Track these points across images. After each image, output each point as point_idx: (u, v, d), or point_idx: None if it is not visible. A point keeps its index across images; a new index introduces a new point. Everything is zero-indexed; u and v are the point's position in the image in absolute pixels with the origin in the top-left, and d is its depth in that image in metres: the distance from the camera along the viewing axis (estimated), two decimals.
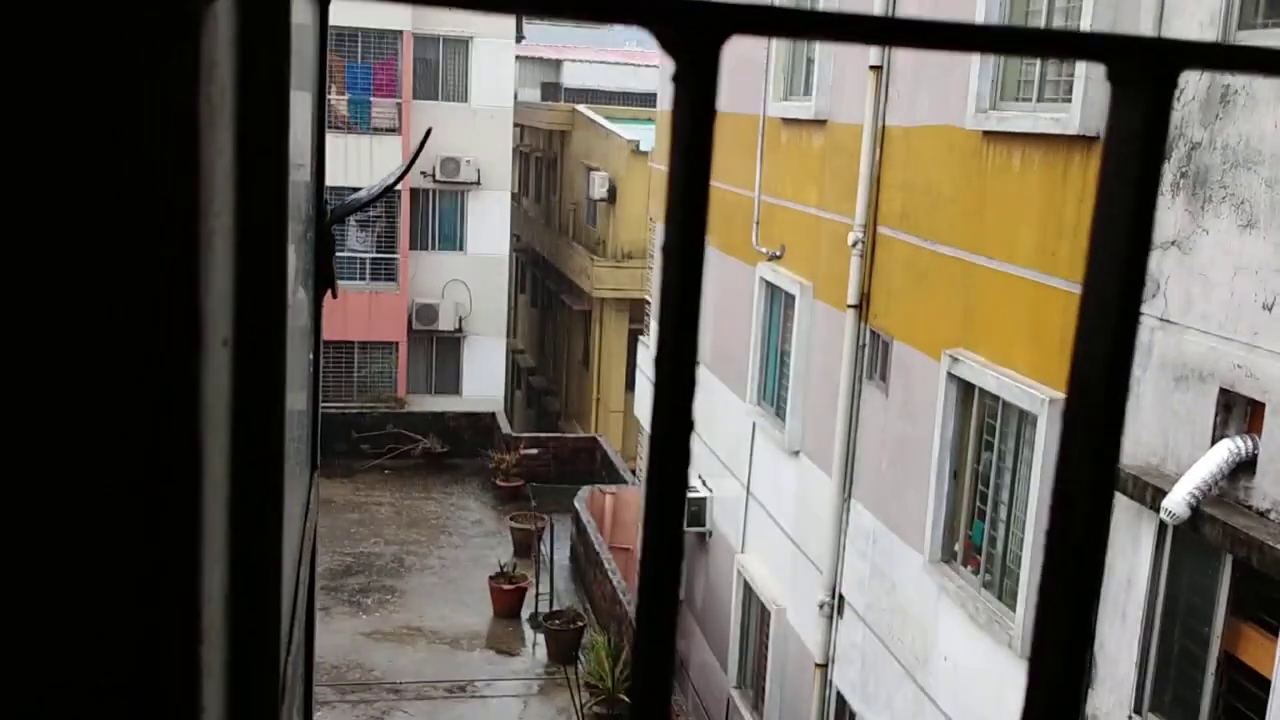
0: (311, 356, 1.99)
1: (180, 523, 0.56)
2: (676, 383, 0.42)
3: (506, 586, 17.79)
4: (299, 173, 1.57)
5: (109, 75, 0.50)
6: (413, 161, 3.31)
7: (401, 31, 25.44)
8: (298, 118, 1.46)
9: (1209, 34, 6.36)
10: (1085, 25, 7.32)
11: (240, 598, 0.80)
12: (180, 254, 0.52)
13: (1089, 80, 7.28)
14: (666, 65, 0.43)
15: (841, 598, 10.95)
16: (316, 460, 2.09)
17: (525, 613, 17.89)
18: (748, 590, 13.30)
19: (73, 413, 0.54)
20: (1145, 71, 0.44)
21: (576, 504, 19.44)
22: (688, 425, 0.45)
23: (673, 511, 0.46)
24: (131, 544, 0.55)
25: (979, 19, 8.54)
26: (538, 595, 17.71)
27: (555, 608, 17.38)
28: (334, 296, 1.98)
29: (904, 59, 9.92)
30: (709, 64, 0.40)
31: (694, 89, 0.40)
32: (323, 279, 1.89)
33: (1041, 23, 8.12)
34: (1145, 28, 6.81)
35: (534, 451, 23.30)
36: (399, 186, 25.37)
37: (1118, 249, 0.46)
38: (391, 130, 25.57)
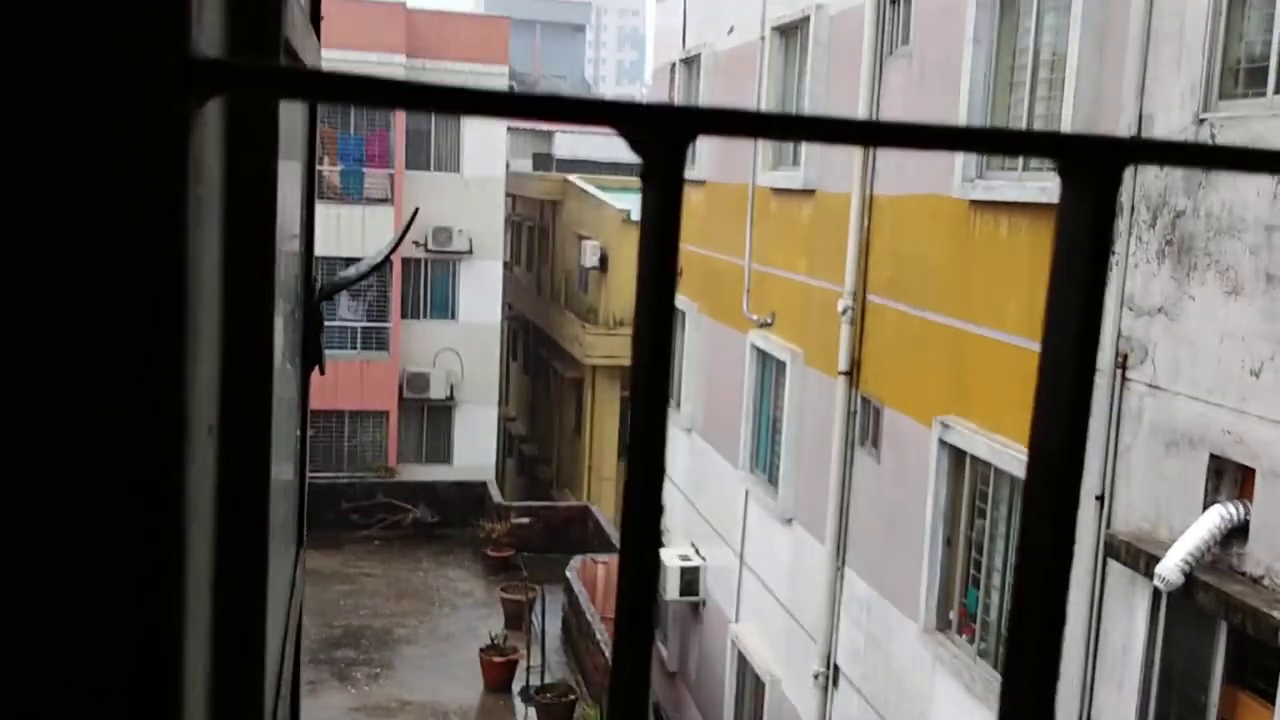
0: (299, 432, 1.99)
1: (163, 611, 0.56)
2: (642, 539, 0.42)
3: (497, 659, 17.58)
4: (288, 247, 1.59)
5: (99, 172, 0.51)
6: (399, 240, 3.34)
7: None
8: (286, 194, 1.47)
9: (1190, 105, 6.47)
10: (1068, 96, 7.45)
11: (224, 683, 0.80)
12: (166, 347, 0.53)
13: None
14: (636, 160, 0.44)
15: (836, 668, 10.83)
16: (303, 536, 2.08)
17: (516, 686, 17.64)
18: (742, 660, 13.15)
19: (55, 502, 0.54)
20: (1093, 168, 0.45)
21: (568, 574, 19.28)
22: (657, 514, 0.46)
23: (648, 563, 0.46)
24: (113, 632, 0.55)
25: (963, 97, 8.69)
26: (529, 667, 17.48)
27: (547, 680, 17.15)
28: (321, 373, 1.99)
29: None
30: (674, 164, 0.42)
31: (660, 188, 0.42)
32: (310, 356, 1.90)
33: (1025, 95, 8.26)
34: (1128, 99, 6.92)
35: (525, 520, 23.15)
36: (390, 256, 25.49)
37: (1068, 337, 0.47)
38: (384, 200, 25.77)
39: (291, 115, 1.75)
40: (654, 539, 0.47)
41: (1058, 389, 0.51)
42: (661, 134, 0.42)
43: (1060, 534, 0.51)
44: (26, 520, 0.54)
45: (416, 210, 5.12)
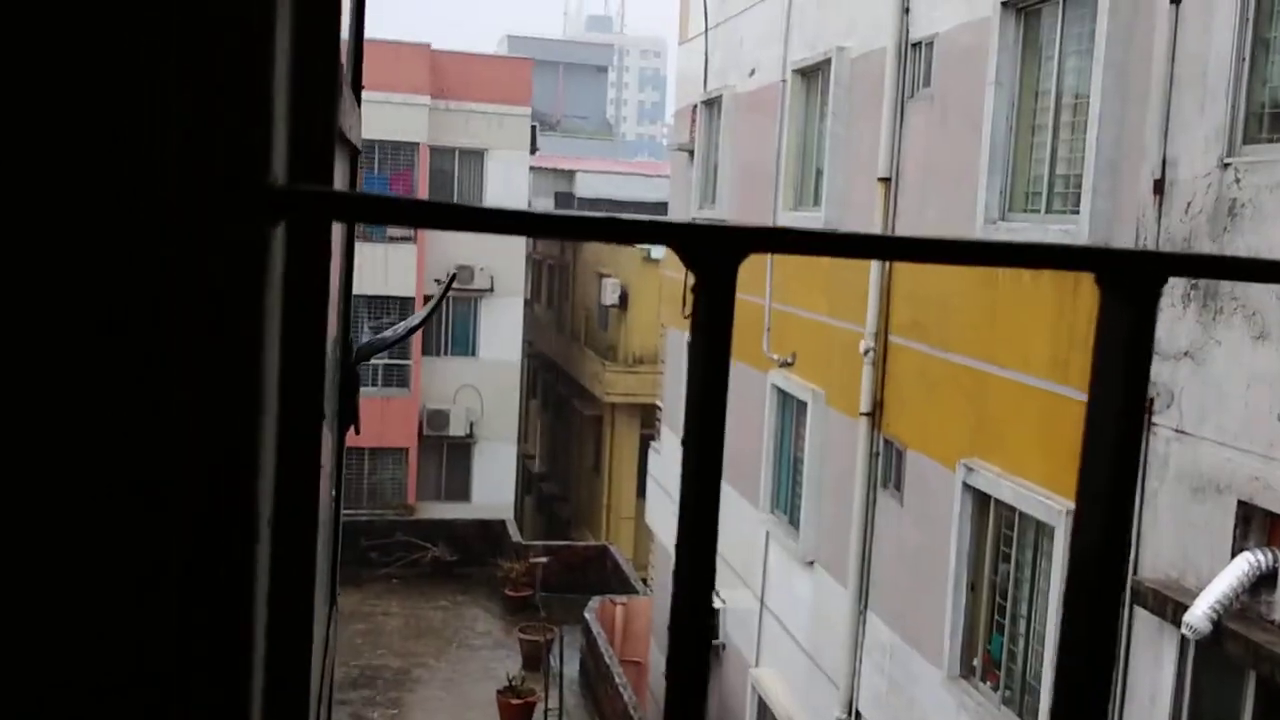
0: (334, 493, 1.98)
1: (229, 680, 0.59)
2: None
3: (515, 701, 17.45)
4: (331, 319, 1.60)
5: (188, 292, 0.55)
6: (437, 304, 3.36)
7: (418, 144, 25.98)
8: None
9: (1214, 150, 6.44)
10: (1091, 139, 7.43)
11: None
12: (241, 445, 0.57)
13: (1096, 193, 7.36)
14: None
15: (858, 713, 10.69)
16: (335, 595, 2.07)
17: None
18: (762, 706, 13.01)
19: (139, 609, 0.58)
20: (1133, 280, 0.43)
21: (587, 615, 19.16)
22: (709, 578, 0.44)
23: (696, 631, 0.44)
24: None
25: (985, 139, 8.68)
26: (547, 710, 17.34)
27: None
28: (357, 433, 1.99)
29: (912, 170, 10.06)
30: (726, 279, 0.42)
31: (712, 303, 0.43)
32: (346, 417, 1.89)
33: (1048, 138, 8.24)
34: (1151, 142, 6.90)
35: (543, 560, 23.07)
36: (414, 294, 25.64)
37: (1108, 452, 0.45)
38: (406, 239, 25.94)
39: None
40: (703, 635, 0.46)
41: (1097, 498, 0.49)
42: (714, 252, 0.43)
43: (1100, 652, 0.49)
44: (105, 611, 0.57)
45: (454, 274, 5.17)
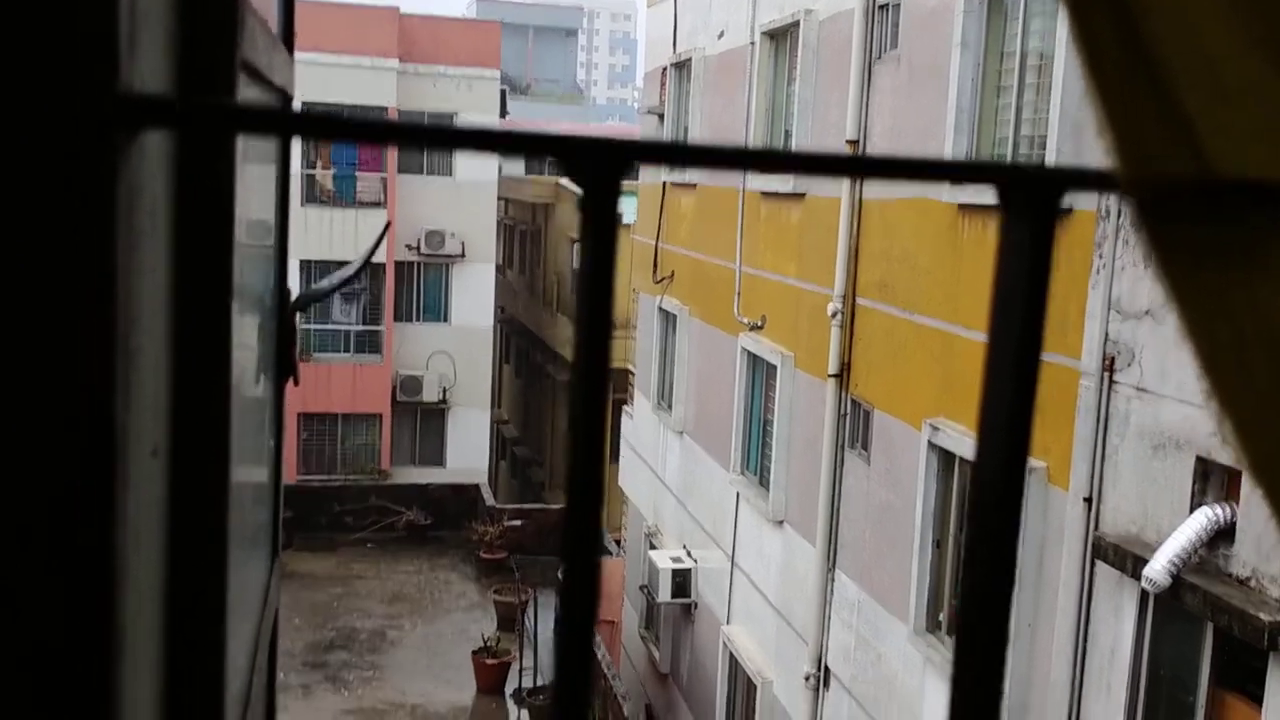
0: (272, 442, 2.00)
1: (95, 637, 0.57)
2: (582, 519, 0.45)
3: (490, 661, 17.58)
4: (261, 257, 1.61)
5: (29, 200, 0.52)
6: (371, 253, 3.36)
7: (387, 108, 25.76)
8: (257, 203, 1.49)
9: None
10: (1055, 99, 7.49)
11: (179, 698, 0.81)
12: (93, 368, 0.54)
13: (1060, 153, 7.43)
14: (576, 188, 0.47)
15: (827, 669, 10.86)
16: (278, 546, 2.10)
17: (509, 688, 17.65)
18: (733, 662, 13.18)
19: None
20: (1032, 195, 0.47)
21: (561, 576, 19.25)
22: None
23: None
24: (45, 671, 0.56)
25: (951, 100, 8.72)
26: (522, 669, 17.49)
27: (540, 682, 17.17)
28: (295, 384, 2.01)
29: (880, 132, 10.10)
30: (610, 191, 0.45)
31: (597, 214, 0.45)
32: (284, 367, 1.92)
33: (1013, 99, 8.30)
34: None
35: (518, 523, 23.16)
36: (384, 260, 25.50)
37: (1009, 367, 0.50)
38: (376, 204, 25.77)
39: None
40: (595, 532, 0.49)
41: (997, 414, 0.53)
42: (598, 163, 0.45)
43: (1001, 571, 0.53)
44: None
45: (389, 224, 5.16)
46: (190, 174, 0.70)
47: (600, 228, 0.44)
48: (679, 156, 0.45)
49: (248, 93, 1.14)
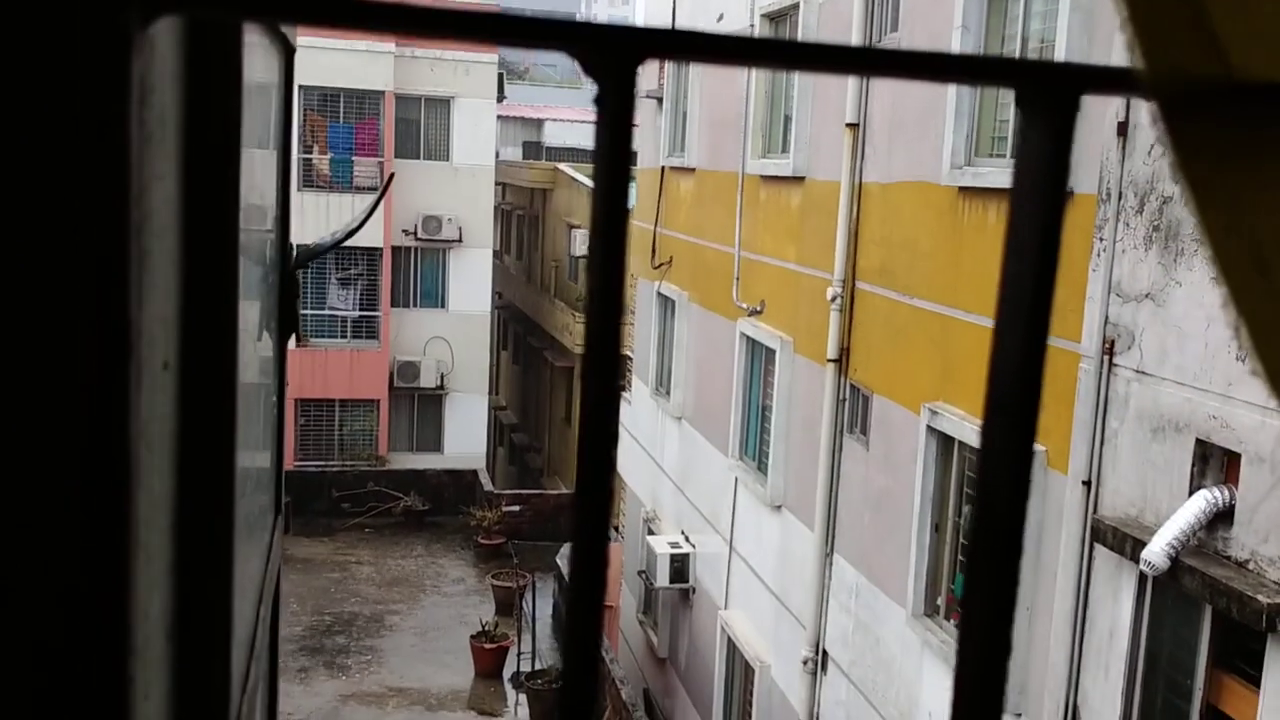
0: (275, 400, 1.99)
1: (111, 542, 0.56)
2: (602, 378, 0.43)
3: (488, 646, 17.60)
4: (263, 219, 1.59)
5: (32, 92, 0.50)
6: (374, 207, 3.35)
7: (384, 92, 25.68)
8: (261, 167, 1.47)
9: None
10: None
11: (188, 617, 0.80)
12: (108, 270, 0.52)
13: None
14: (591, 89, 0.45)
15: (825, 653, 10.87)
16: (280, 506, 2.09)
17: (507, 672, 17.68)
18: (731, 647, 13.19)
19: None
20: (1050, 94, 0.45)
21: (559, 561, 19.31)
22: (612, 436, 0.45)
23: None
24: (60, 562, 0.55)
25: (950, 106, 8.69)
26: (519, 654, 17.52)
27: (538, 667, 17.19)
28: (299, 342, 2.00)
29: (880, 116, 10.06)
30: (626, 84, 0.43)
31: (613, 107, 0.43)
32: (287, 322, 1.90)
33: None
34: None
35: (516, 509, 23.18)
36: (381, 246, 25.45)
37: (1028, 271, 0.48)
38: (373, 189, 25.70)
39: (266, 93, 1.75)
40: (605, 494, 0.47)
41: (1014, 329, 0.51)
42: (613, 55, 0.43)
43: (1019, 463, 0.51)
44: None
45: (392, 175, 5.13)
46: (203, 81, 0.69)
47: (615, 121, 0.42)
48: (698, 46, 0.43)
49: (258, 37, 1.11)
